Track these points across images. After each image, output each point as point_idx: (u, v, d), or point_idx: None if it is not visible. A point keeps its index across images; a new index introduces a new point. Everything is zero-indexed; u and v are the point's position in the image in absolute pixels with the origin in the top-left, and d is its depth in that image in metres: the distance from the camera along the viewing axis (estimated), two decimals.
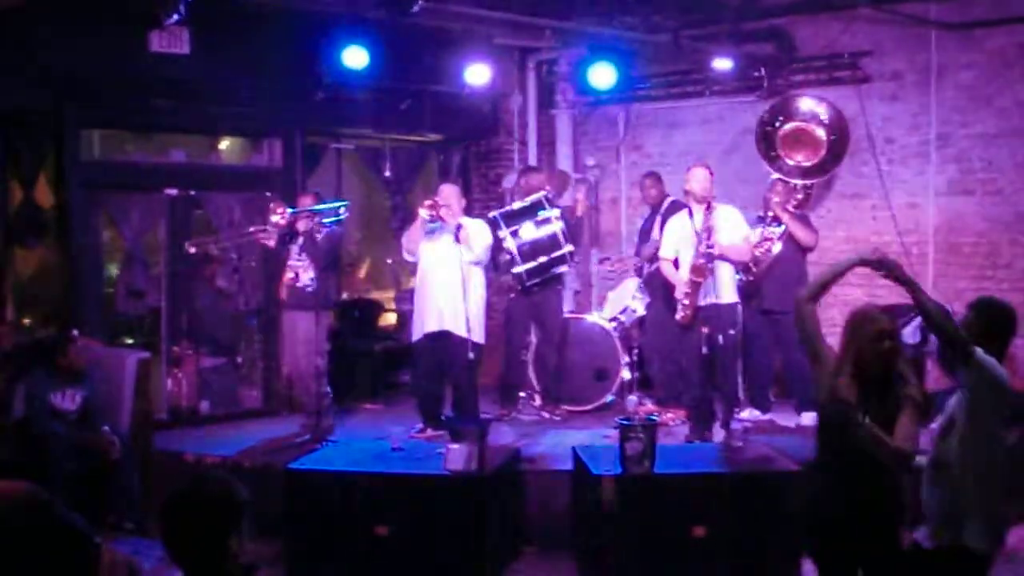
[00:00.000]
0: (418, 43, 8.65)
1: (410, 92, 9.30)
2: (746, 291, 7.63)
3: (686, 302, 7.10)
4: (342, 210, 7.67)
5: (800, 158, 8.38)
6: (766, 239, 7.72)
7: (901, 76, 8.78)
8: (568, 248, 7.82)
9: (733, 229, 7.23)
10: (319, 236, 7.47)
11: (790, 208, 7.86)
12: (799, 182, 8.24)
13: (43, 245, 8.16)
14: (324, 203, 7.61)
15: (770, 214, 7.82)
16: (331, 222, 7.57)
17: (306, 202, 7.52)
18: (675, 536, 5.59)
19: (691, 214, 7.22)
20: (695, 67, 9.32)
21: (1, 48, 7.16)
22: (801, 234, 7.68)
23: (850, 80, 8.88)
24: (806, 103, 8.56)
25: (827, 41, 8.99)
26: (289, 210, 7.37)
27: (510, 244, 7.68)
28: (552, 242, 7.80)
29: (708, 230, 7.02)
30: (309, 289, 7.44)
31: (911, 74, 8.73)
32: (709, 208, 7.08)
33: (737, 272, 7.38)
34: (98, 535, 4.02)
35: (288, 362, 7.69)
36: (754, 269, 7.69)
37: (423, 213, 7.28)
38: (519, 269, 7.76)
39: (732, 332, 7.14)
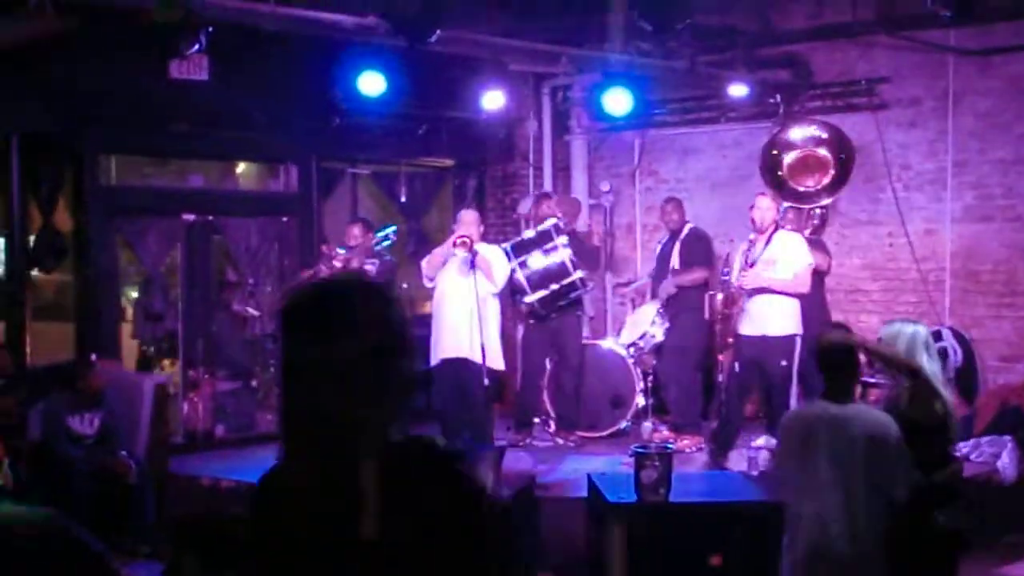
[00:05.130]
0: (434, 69, 8.70)
1: (426, 118, 9.35)
2: None
3: (719, 327, 7.11)
4: (391, 233, 7.59)
5: (811, 183, 8.36)
6: None
7: (919, 102, 8.77)
8: (578, 275, 7.80)
9: (790, 261, 7.13)
10: (372, 269, 7.44)
11: (804, 234, 7.81)
12: (814, 206, 8.22)
13: (61, 269, 8.20)
14: (376, 231, 7.56)
15: None
16: (382, 248, 7.52)
17: (354, 231, 7.46)
18: (691, 565, 5.54)
19: (751, 242, 7.23)
20: (711, 93, 9.34)
21: (22, 73, 7.23)
22: (814, 259, 7.63)
23: (867, 106, 8.88)
24: (797, 132, 8.47)
25: (844, 67, 9.01)
26: (340, 250, 7.32)
27: (519, 275, 7.68)
28: (561, 270, 7.79)
29: (749, 263, 7.01)
30: None
31: (929, 100, 8.72)
32: (768, 240, 7.07)
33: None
34: (114, 559, 4.03)
35: None
36: None
37: (459, 252, 7.24)
38: (531, 298, 7.77)
39: (784, 364, 7.00)
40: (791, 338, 7.04)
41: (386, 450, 1.75)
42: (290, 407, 1.80)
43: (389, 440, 1.77)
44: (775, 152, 8.39)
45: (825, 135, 8.32)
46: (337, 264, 7.31)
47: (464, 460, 1.88)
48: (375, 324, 1.76)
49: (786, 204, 8.09)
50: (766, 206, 7.21)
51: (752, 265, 7.06)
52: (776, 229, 7.21)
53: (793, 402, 7.15)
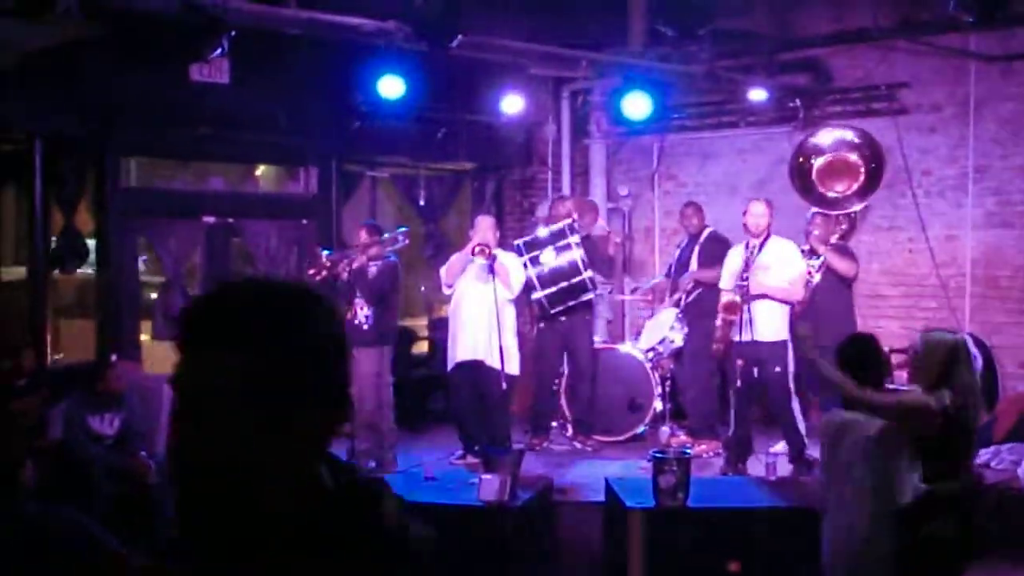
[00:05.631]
0: (454, 73, 8.73)
1: (445, 121, 9.37)
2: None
3: (718, 334, 7.12)
4: (400, 235, 7.65)
5: (841, 188, 8.32)
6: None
7: (940, 108, 8.73)
8: (588, 274, 7.80)
9: (783, 267, 7.19)
10: (372, 270, 7.50)
11: (832, 240, 7.75)
12: (842, 212, 8.19)
13: (82, 270, 8.26)
14: (383, 234, 7.62)
15: (807, 248, 7.69)
16: (390, 251, 7.58)
17: (362, 235, 7.52)
18: (709, 570, 5.54)
19: (747, 246, 7.24)
20: (730, 97, 9.32)
21: (46, 77, 7.29)
22: (840, 266, 7.58)
23: (887, 112, 8.85)
24: (826, 136, 8.46)
25: (864, 73, 8.97)
26: (325, 252, 7.43)
27: (530, 272, 7.71)
28: (572, 269, 7.80)
29: (748, 267, 7.02)
30: (366, 326, 7.43)
31: (950, 106, 8.68)
32: (761, 246, 7.09)
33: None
34: (133, 558, 4.06)
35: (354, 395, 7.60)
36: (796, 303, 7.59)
37: (478, 260, 7.30)
38: (538, 295, 7.81)
39: (778, 370, 7.07)
40: (783, 343, 7.12)
41: (305, 501, 1.40)
42: (178, 443, 1.39)
43: (311, 488, 1.42)
44: (803, 157, 8.37)
45: (858, 140, 8.30)
46: (325, 263, 7.36)
47: (400, 516, 1.48)
48: (286, 335, 1.39)
49: (814, 209, 8.06)
50: (760, 212, 7.22)
51: (748, 270, 7.05)
52: (769, 235, 7.22)
53: (795, 406, 7.21)
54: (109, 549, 3.80)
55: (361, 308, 7.45)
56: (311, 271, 7.46)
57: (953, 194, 8.70)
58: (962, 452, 4.40)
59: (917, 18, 8.44)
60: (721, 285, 7.47)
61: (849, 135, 8.37)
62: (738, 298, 7.01)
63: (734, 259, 7.36)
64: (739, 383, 7.06)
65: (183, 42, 5.98)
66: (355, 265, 7.40)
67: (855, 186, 8.25)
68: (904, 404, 4.32)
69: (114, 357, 7.30)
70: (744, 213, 7.35)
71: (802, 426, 7.24)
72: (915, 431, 4.27)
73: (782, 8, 8.98)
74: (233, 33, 5.86)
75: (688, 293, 8.19)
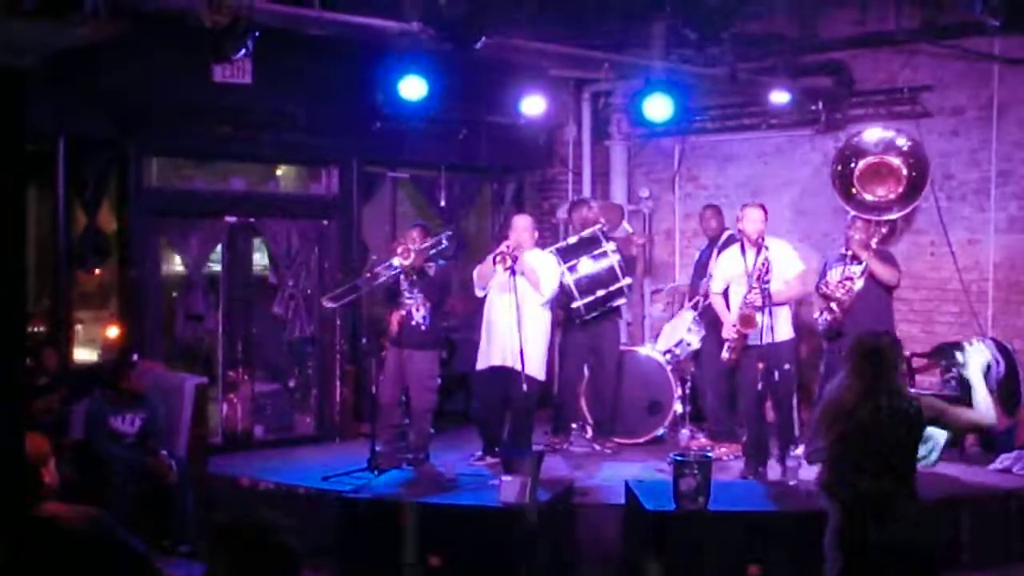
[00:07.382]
0: (475, 74, 8.73)
1: (466, 122, 9.38)
2: (830, 331, 7.54)
3: (732, 345, 7.10)
4: (443, 240, 7.65)
5: (881, 192, 8.25)
6: (847, 278, 7.48)
7: (962, 111, 8.67)
8: (626, 281, 7.86)
9: (787, 267, 7.21)
10: (431, 271, 7.48)
11: (873, 245, 7.65)
12: (885, 218, 8.13)
13: (105, 269, 8.30)
14: (433, 236, 7.60)
15: (849, 252, 7.60)
16: (435, 253, 7.58)
17: (413, 235, 7.47)
18: (729, 574, 5.52)
19: (743, 250, 7.21)
20: (752, 100, 9.28)
21: (69, 77, 7.31)
22: (882, 272, 7.51)
23: (909, 115, 8.78)
24: (874, 134, 8.42)
25: (887, 75, 8.92)
26: (415, 249, 7.27)
27: (568, 279, 7.70)
28: (610, 275, 7.82)
29: (766, 272, 6.96)
30: (423, 327, 7.41)
31: (972, 109, 8.61)
32: (759, 251, 7.05)
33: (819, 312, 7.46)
34: (155, 559, 4.07)
35: (385, 396, 7.58)
36: (836, 309, 7.50)
37: (500, 268, 7.26)
38: (577, 304, 7.77)
39: (788, 367, 7.11)
40: (792, 341, 7.27)
41: None
42: None
43: None
44: (842, 162, 8.31)
45: (906, 148, 8.23)
46: (405, 263, 7.25)
47: None
48: None
49: (852, 213, 8.01)
50: (758, 217, 7.20)
51: (759, 278, 7.00)
52: (764, 238, 7.19)
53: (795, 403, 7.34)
54: (134, 551, 3.81)
55: (418, 309, 7.40)
56: (398, 248, 7.33)
57: (975, 198, 8.64)
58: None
59: (940, 21, 8.38)
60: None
61: (901, 140, 8.30)
62: (754, 311, 6.97)
63: (733, 265, 7.31)
64: (760, 386, 7.03)
65: (206, 40, 5.99)
66: (418, 265, 7.31)
67: (895, 193, 8.17)
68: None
69: (136, 356, 7.33)
70: (739, 219, 7.31)
71: (796, 426, 7.34)
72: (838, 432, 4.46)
73: (805, 10, 8.93)
74: (256, 33, 5.87)
75: (706, 296, 8.16)
